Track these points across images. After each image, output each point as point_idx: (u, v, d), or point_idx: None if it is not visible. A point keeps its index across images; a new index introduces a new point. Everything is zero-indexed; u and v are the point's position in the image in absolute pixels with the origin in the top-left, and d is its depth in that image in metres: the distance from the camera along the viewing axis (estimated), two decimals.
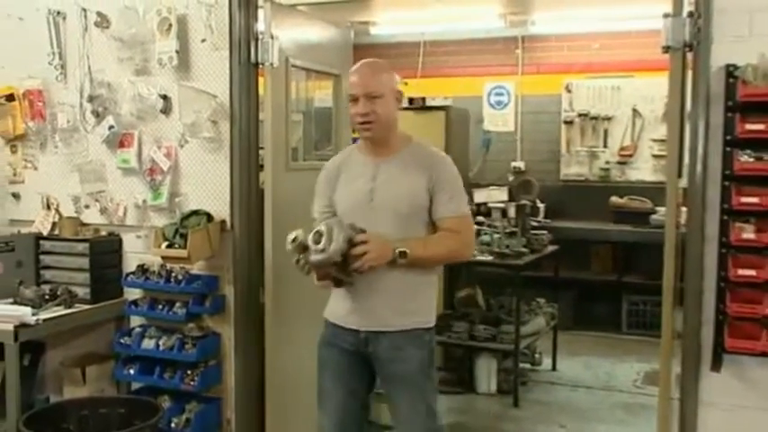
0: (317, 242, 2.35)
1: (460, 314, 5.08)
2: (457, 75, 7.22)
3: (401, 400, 2.53)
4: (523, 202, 5.88)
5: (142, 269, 3.44)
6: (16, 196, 3.83)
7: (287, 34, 3.41)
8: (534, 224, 5.76)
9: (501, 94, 7.15)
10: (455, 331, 4.90)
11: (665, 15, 2.68)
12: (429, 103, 5.55)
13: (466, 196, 2.61)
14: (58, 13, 3.61)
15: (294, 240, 2.41)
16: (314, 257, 2.36)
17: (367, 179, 2.54)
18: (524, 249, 4.98)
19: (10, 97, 3.75)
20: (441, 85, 6.94)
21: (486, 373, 4.93)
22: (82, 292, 3.44)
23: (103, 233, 3.57)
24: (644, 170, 6.74)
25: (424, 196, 2.50)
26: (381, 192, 2.51)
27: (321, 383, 2.62)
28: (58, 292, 3.38)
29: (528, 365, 5.28)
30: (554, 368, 5.42)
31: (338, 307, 2.60)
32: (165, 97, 3.40)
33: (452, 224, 2.50)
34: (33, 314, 3.16)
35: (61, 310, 3.33)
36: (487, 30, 6.93)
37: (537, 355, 5.35)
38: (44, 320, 3.19)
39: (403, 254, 2.42)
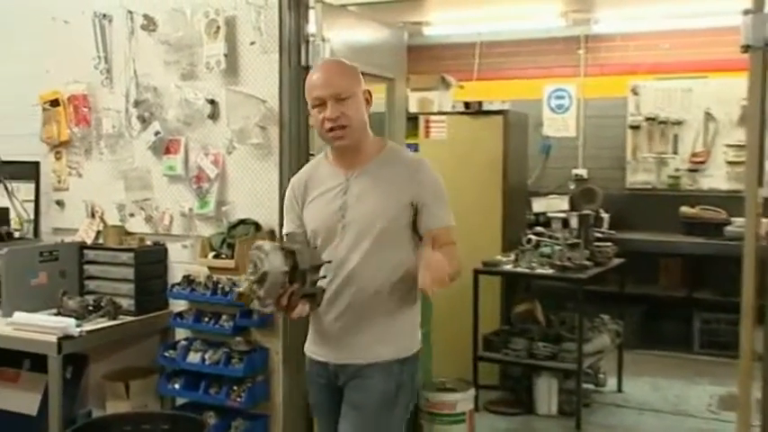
0: (251, 274, 2.16)
1: (518, 330, 5.03)
2: (515, 77, 7.17)
3: (347, 427, 2.32)
4: (586, 211, 5.80)
5: (188, 280, 3.48)
6: (60, 204, 3.92)
7: (338, 36, 3.43)
8: (598, 235, 5.67)
9: (562, 98, 7.07)
10: (513, 348, 4.84)
11: (746, 12, 2.61)
12: (486, 107, 5.51)
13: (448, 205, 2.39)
14: (104, 15, 3.70)
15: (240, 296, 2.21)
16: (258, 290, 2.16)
17: (337, 194, 2.34)
18: (587, 262, 4.90)
19: (55, 102, 3.85)
20: (498, 88, 6.89)
21: (547, 393, 4.86)
22: (126, 303, 3.49)
23: (148, 242, 3.62)
24: (717, 178, 6.58)
25: (405, 211, 2.29)
26: (354, 208, 2.31)
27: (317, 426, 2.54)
28: (102, 303, 3.44)
29: (591, 386, 5.19)
30: (619, 389, 5.32)
31: (311, 338, 2.47)
32: (212, 102, 3.45)
33: (445, 236, 2.30)
34: (77, 326, 3.21)
35: (105, 322, 3.38)
36: (548, 29, 6.87)
37: (601, 376, 5.25)
38: (88, 332, 3.24)
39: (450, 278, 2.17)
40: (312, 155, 3.44)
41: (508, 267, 4.96)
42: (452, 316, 4.94)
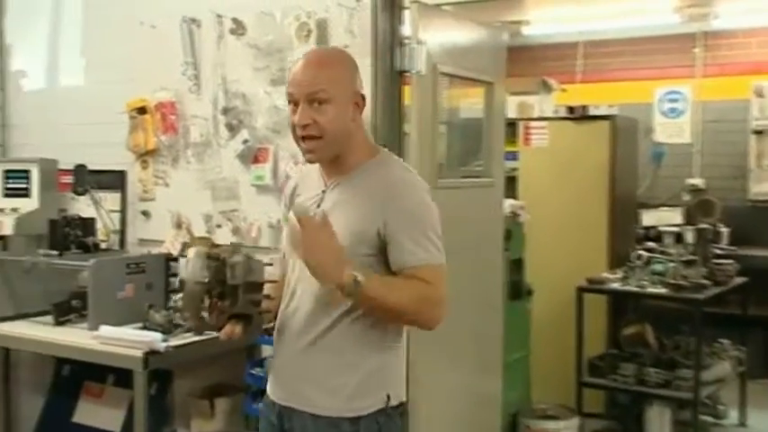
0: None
1: (628, 355, 4.90)
2: (623, 78, 7.01)
3: None
4: (703, 225, 5.61)
5: None
6: (146, 214, 4.04)
7: (434, 38, 3.41)
8: (717, 252, 5.47)
9: (675, 101, 6.88)
10: (621, 374, 4.72)
11: None
12: (591, 111, 5.41)
13: (439, 239, 1.99)
14: (193, 20, 3.79)
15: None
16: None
17: (311, 206, 2.04)
18: (705, 281, 4.74)
19: (142, 110, 3.97)
20: (604, 91, 6.76)
21: (659, 424, 4.71)
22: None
23: None
24: None
25: (371, 239, 1.96)
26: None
27: None
28: None
29: (710, 418, 5.01)
30: (742, 423, 5.11)
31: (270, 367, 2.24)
32: None
33: (422, 275, 1.94)
34: (163, 340, 3.29)
35: (191, 337, 3.44)
36: (659, 26, 6.70)
37: (721, 407, 5.06)
38: (174, 347, 3.29)
39: (354, 278, 1.85)
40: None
41: (615, 286, 4.84)
42: (553, 337, 4.85)
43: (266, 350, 3.61)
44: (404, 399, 2.08)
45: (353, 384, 1.99)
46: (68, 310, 3.69)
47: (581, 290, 4.77)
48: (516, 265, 4.55)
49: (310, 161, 2.05)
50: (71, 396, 3.93)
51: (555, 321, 4.73)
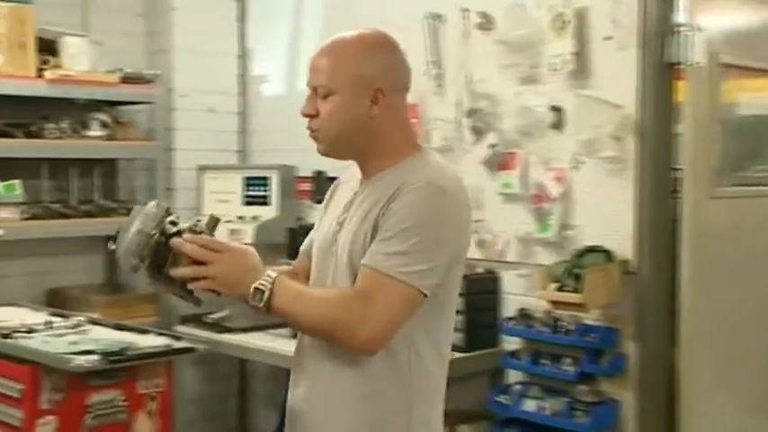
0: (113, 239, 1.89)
1: None
2: None
3: None
4: None
5: (524, 315, 3.43)
6: None
7: (714, 24, 3.16)
8: None
9: None
10: None
11: None
12: None
13: (423, 255, 1.77)
14: (437, 16, 3.77)
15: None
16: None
17: (341, 209, 1.99)
18: None
19: None
20: None
21: None
22: (455, 337, 3.46)
23: (480, 270, 3.62)
24: None
25: (369, 240, 1.87)
26: (344, 233, 1.93)
27: None
28: None
29: None
30: None
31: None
32: (556, 109, 3.36)
33: (363, 280, 1.79)
34: None
35: None
36: None
37: None
38: None
39: (258, 293, 1.76)
40: (677, 169, 3.21)
41: None
42: None
43: (512, 375, 3.52)
44: None
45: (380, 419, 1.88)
46: None
47: None
48: None
49: (321, 154, 1.97)
50: None
51: None
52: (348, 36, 1.93)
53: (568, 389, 3.25)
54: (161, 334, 3.07)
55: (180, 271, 1.80)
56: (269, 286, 1.77)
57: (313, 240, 2.08)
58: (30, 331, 2.93)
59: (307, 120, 1.92)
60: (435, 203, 1.81)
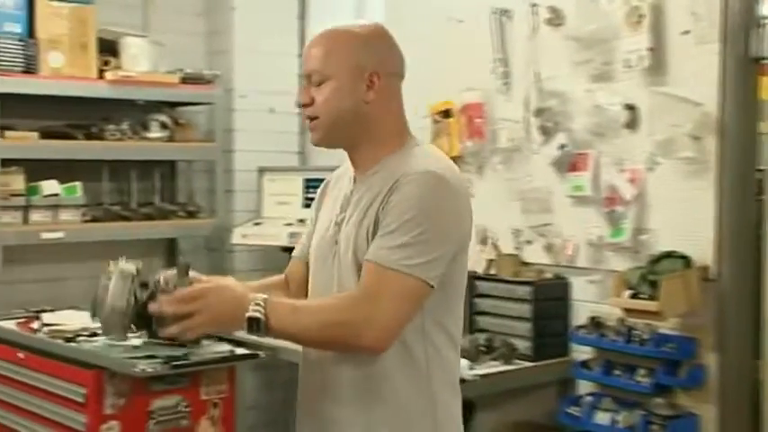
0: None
1: None
2: None
3: None
4: None
5: (595, 323, 3.38)
6: None
7: None
8: None
9: None
10: None
11: None
12: None
13: (428, 247, 1.77)
14: (504, 11, 3.74)
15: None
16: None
17: (337, 208, 1.97)
18: None
19: (446, 113, 3.97)
20: None
21: None
22: (522, 345, 3.47)
23: (548, 275, 3.57)
24: None
25: (371, 235, 1.87)
26: (345, 233, 1.91)
27: None
28: (496, 344, 3.45)
29: None
30: None
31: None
32: (630, 108, 3.30)
33: (367, 276, 1.79)
34: (470, 368, 3.25)
35: (498, 366, 3.39)
36: None
37: None
38: (480, 376, 3.25)
39: (254, 322, 1.75)
40: (761, 170, 3.12)
41: None
42: None
43: (583, 386, 3.47)
44: None
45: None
46: None
47: None
48: None
49: (315, 144, 1.97)
50: None
51: None
52: (341, 25, 1.99)
53: (643, 401, 3.19)
54: (222, 339, 3.08)
55: (169, 332, 1.82)
56: (262, 311, 1.76)
57: (306, 245, 2.09)
58: (92, 335, 2.95)
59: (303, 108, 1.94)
60: (435, 192, 1.82)
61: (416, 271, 1.76)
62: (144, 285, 2.08)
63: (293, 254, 2.19)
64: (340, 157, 2.10)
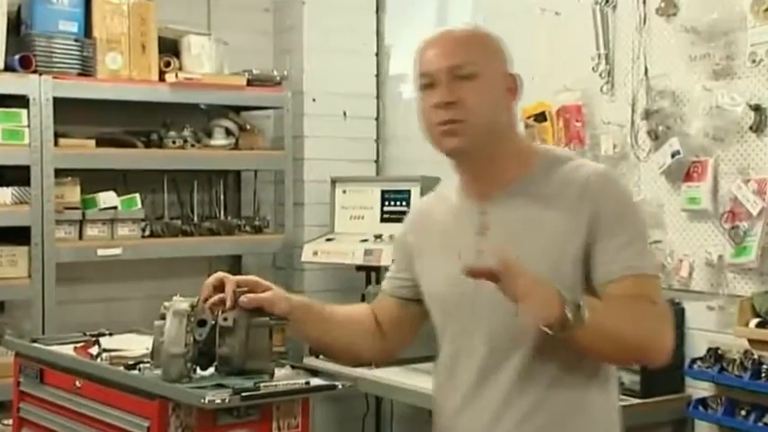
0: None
1: None
2: None
3: None
4: None
5: (715, 355, 3.27)
6: None
7: None
8: None
9: None
10: None
11: None
12: None
13: (647, 241, 1.99)
14: (607, 1, 3.68)
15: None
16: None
17: (467, 242, 1.92)
18: None
19: (541, 117, 3.89)
20: None
21: None
22: (628, 379, 3.37)
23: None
24: None
25: (576, 253, 1.84)
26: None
27: None
28: None
29: None
30: None
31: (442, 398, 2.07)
32: (756, 108, 3.21)
33: (635, 288, 1.81)
34: None
35: None
36: None
37: None
38: None
39: (577, 310, 1.71)
40: None
41: None
42: None
43: (700, 428, 3.38)
44: None
45: None
46: None
47: None
48: None
49: (453, 151, 1.90)
50: None
51: None
52: (480, 28, 2.00)
53: None
54: (294, 367, 3.03)
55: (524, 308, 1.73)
56: (579, 299, 1.74)
57: (402, 285, 2.12)
58: None
59: (441, 111, 1.87)
60: (625, 188, 2.00)
61: (657, 270, 2.00)
62: (202, 323, 2.15)
63: (383, 288, 2.20)
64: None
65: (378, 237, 4.19)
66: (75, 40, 3.85)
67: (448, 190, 2.09)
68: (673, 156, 3.45)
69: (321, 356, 4.06)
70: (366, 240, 4.20)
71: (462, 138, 1.87)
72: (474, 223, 1.94)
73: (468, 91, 1.86)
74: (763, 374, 3.08)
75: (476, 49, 1.91)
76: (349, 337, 2.20)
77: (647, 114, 3.54)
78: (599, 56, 3.70)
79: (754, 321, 3.05)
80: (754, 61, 3.16)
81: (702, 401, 3.30)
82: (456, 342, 1.99)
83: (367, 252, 4.12)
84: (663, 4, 3.47)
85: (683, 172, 3.43)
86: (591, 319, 1.72)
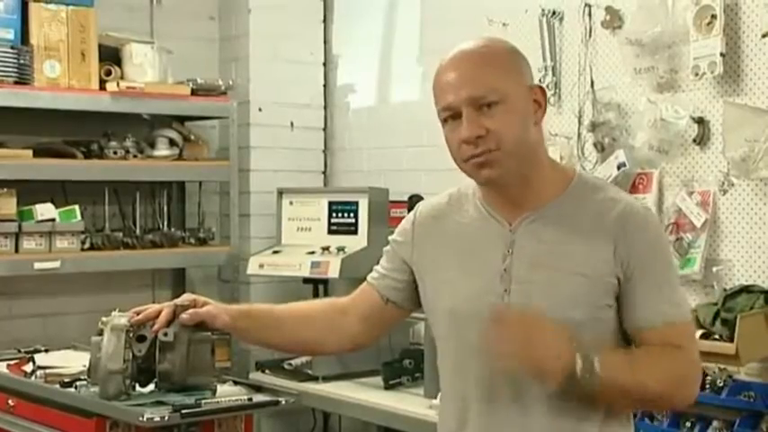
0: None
1: None
2: None
3: None
4: None
5: None
6: None
7: None
8: None
9: None
10: None
11: None
12: None
13: (678, 284, 2.00)
14: (554, 13, 3.74)
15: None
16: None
17: (494, 263, 1.91)
18: None
19: None
20: None
21: None
22: None
23: None
24: None
25: (608, 286, 1.86)
26: (524, 291, 1.88)
27: None
28: None
29: None
30: None
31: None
32: (699, 121, 3.28)
33: (667, 336, 1.86)
34: None
35: None
36: None
37: None
38: None
39: (589, 365, 1.75)
40: None
41: None
42: None
43: None
44: None
45: None
46: (399, 371, 3.77)
47: None
48: None
49: (490, 181, 1.90)
50: None
51: None
52: (488, 41, 1.97)
53: None
54: (238, 383, 3.04)
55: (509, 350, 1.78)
56: (593, 355, 1.77)
57: (395, 287, 2.09)
58: None
59: (471, 145, 1.84)
60: (662, 229, 2.05)
61: (690, 315, 1.99)
62: (141, 338, 2.15)
63: (371, 281, 2.16)
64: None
65: (325, 249, 4.19)
66: (12, 48, 3.81)
67: (462, 198, 2.04)
68: (619, 167, 3.49)
69: (267, 371, 4.09)
70: (313, 252, 4.20)
71: (496, 167, 1.86)
72: (502, 244, 1.92)
73: (495, 119, 1.83)
74: (708, 386, 3.12)
75: (495, 72, 1.86)
76: (306, 333, 2.18)
77: (594, 126, 3.58)
78: (546, 68, 3.75)
79: (698, 333, 3.08)
80: (696, 74, 3.21)
81: (648, 413, 3.29)
82: (465, 359, 1.96)
83: (314, 264, 4.12)
84: (608, 17, 3.51)
85: (629, 184, 3.47)
86: (606, 378, 1.76)
